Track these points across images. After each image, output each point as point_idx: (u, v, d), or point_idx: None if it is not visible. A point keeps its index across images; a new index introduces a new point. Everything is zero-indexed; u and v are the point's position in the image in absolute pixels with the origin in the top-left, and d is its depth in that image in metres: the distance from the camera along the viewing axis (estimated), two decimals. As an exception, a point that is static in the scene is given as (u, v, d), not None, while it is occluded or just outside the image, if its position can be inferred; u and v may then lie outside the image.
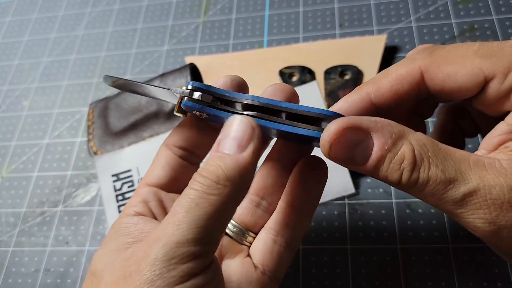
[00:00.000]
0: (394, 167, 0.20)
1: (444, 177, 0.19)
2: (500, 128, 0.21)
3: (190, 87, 0.23)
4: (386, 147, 0.20)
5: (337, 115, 0.21)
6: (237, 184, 0.21)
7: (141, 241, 0.22)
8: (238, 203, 0.22)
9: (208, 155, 0.22)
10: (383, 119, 0.21)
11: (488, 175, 0.19)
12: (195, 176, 0.21)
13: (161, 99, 0.26)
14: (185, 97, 0.23)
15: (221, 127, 0.22)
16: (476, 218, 0.19)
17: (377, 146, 0.20)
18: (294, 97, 0.25)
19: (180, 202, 0.20)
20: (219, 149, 0.22)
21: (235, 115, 0.22)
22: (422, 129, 0.29)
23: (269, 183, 0.26)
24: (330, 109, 0.23)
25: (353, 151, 0.20)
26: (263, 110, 0.22)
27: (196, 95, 0.23)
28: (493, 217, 0.19)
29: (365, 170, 0.21)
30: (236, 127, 0.21)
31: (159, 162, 0.26)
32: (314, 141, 0.23)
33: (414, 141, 0.20)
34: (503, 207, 0.18)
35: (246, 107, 0.23)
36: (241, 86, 0.25)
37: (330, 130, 0.20)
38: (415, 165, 0.19)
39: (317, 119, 0.22)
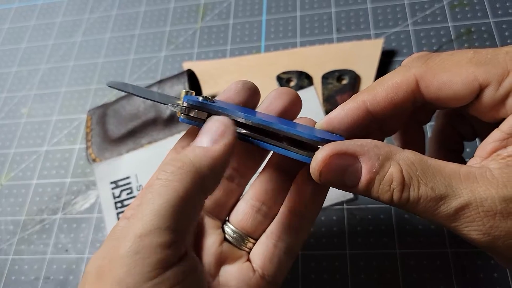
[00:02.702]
0: (384, 188, 0.20)
1: (434, 194, 0.19)
2: (494, 135, 0.21)
3: (185, 104, 0.23)
4: (374, 170, 0.20)
5: (326, 141, 0.22)
6: (203, 173, 0.21)
7: None
8: (205, 194, 0.22)
9: None
10: (369, 140, 0.21)
11: (480, 187, 0.19)
12: (161, 165, 0.21)
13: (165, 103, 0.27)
14: (182, 114, 0.23)
15: None
16: (471, 230, 0.19)
17: (365, 169, 0.20)
18: (297, 101, 0.26)
19: (145, 195, 0.20)
20: (191, 144, 0.22)
21: (212, 116, 0.23)
22: (421, 134, 0.29)
23: (270, 188, 0.26)
24: (326, 117, 0.24)
25: (343, 176, 0.21)
26: (256, 129, 0.23)
27: (192, 112, 0.23)
28: (487, 228, 0.19)
29: (357, 192, 0.21)
30: (209, 125, 0.22)
31: None
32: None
33: (401, 161, 0.20)
34: (496, 218, 0.19)
35: (241, 123, 0.23)
36: (252, 91, 0.25)
37: (318, 159, 0.21)
38: (404, 185, 0.20)
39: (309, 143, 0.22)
